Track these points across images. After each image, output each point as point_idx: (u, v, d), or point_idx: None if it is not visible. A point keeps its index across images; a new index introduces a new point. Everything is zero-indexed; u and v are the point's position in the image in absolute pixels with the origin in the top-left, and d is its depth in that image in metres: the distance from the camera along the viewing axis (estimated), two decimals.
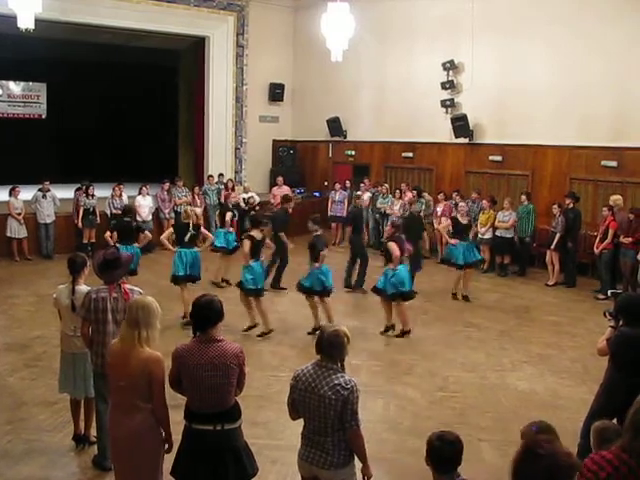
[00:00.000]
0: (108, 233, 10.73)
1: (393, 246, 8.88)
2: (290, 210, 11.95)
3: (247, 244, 8.81)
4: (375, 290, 9.18)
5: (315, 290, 9.04)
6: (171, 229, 10.29)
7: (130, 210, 11.34)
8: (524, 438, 3.16)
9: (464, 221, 11.13)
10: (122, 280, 5.24)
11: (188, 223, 9.67)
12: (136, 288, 5.29)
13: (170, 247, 9.70)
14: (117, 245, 9.68)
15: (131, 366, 4.00)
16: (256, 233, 8.95)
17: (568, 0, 12.94)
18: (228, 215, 12.03)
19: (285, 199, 12.12)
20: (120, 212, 12.25)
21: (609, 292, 5.42)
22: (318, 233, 9.24)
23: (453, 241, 11.06)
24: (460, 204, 11.87)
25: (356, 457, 3.89)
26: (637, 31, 11.92)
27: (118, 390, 4.10)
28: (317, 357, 3.89)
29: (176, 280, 9.48)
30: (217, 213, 13.07)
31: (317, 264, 8.94)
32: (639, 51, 11.91)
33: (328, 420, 3.73)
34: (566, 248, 12.04)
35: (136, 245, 10.25)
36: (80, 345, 5.38)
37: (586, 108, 12.62)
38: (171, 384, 4.15)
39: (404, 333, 9.05)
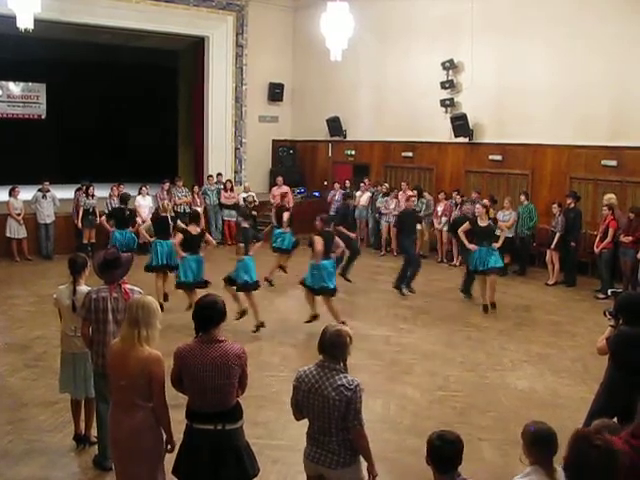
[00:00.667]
0: (104, 218, 12.60)
1: (316, 239, 8.87)
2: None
3: (178, 237, 9.27)
4: (303, 284, 9.13)
5: (239, 284, 8.92)
6: (149, 221, 11.15)
7: (127, 198, 12.48)
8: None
9: (483, 224, 10.42)
10: (122, 280, 5.25)
11: (166, 216, 10.51)
12: (136, 288, 5.29)
13: (148, 237, 10.64)
14: (114, 230, 11.50)
15: (131, 365, 4.01)
16: (192, 228, 9.37)
17: (568, 0, 12.95)
18: (285, 215, 12.01)
19: (347, 195, 13.18)
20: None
21: (609, 291, 5.43)
22: (245, 225, 9.16)
23: (471, 246, 10.38)
24: (477, 206, 11.00)
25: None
26: (637, 31, 11.92)
27: (119, 389, 4.11)
28: (318, 357, 3.89)
29: (150, 269, 10.06)
30: (273, 213, 13.20)
31: (238, 255, 8.92)
32: (639, 51, 11.92)
33: (332, 420, 3.73)
34: (566, 247, 12.04)
35: (130, 230, 11.72)
36: (80, 345, 5.38)
37: (586, 108, 12.62)
38: (173, 383, 4.15)
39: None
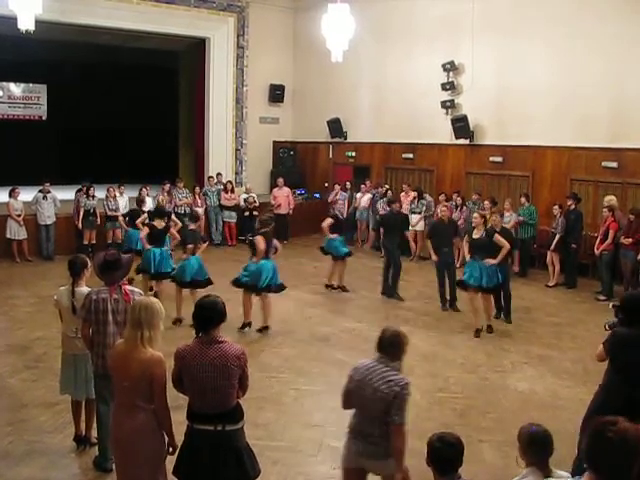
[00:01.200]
0: (121, 218, 13.69)
1: (259, 239, 9.09)
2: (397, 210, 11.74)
3: (145, 230, 10.40)
4: (236, 284, 9.24)
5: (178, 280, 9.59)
6: (146, 215, 11.67)
7: (143, 200, 12.92)
8: (519, 437, 3.39)
9: (476, 235, 9.48)
10: (122, 281, 5.25)
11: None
12: (136, 289, 5.31)
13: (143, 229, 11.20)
14: (129, 228, 12.10)
15: (133, 367, 4.01)
16: (157, 223, 10.29)
17: (568, 0, 12.96)
18: (326, 222, 11.74)
19: (391, 201, 12.12)
20: (115, 214, 14.15)
21: (610, 305, 5.45)
22: (192, 227, 9.95)
23: (467, 258, 9.67)
24: (474, 215, 10.03)
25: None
26: (636, 31, 11.93)
27: (121, 391, 4.11)
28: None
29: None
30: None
31: (184, 255, 9.61)
32: (638, 51, 11.93)
33: (377, 412, 3.93)
34: (567, 249, 12.03)
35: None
36: (81, 346, 5.38)
37: (585, 108, 12.63)
38: (173, 383, 4.15)
39: (263, 328, 9.13)
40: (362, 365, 4.11)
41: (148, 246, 10.12)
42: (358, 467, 4.09)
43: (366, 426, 3.99)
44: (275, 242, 9.46)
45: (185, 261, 9.50)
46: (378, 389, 3.92)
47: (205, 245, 9.96)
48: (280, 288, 9.31)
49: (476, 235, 9.49)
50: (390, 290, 11.23)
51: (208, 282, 9.47)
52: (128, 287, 5.23)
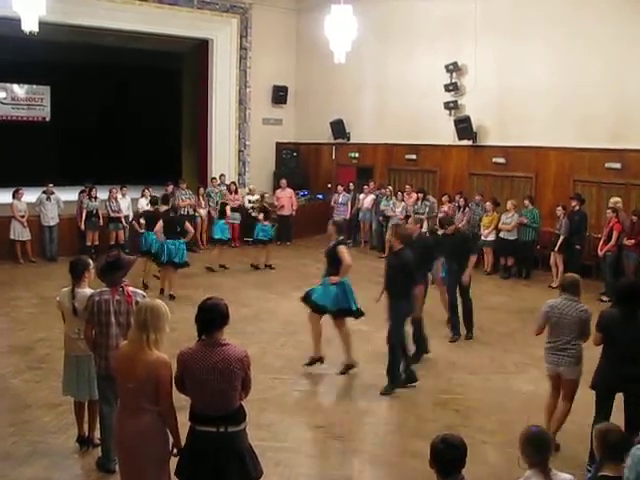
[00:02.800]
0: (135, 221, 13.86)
1: (159, 222, 11.05)
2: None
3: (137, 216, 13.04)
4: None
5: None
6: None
7: (156, 202, 12.75)
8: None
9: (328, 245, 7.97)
10: (125, 282, 5.24)
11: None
12: (139, 291, 5.31)
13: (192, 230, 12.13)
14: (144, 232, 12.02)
15: (138, 369, 4.00)
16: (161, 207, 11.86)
17: (568, 0, 12.95)
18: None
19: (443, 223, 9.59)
20: (117, 215, 14.32)
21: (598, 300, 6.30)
22: (149, 209, 12.23)
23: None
24: (330, 222, 8.08)
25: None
26: (636, 31, 11.93)
27: (126, 392, 4.11)
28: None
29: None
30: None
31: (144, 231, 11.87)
32: (638, 51, 11.92)
33: (574, 333, 5.71)
34: (571, 250, 12.01)
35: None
36: (84, 348, 5.37)
37: (586, 108, 12.61)
38: (176, 385, 4.14)
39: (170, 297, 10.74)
40: (556, 303, 5.77)
41: (141, 230, 12.08)
42: (555, 374, 5.83)
43: (564, 343, 5.73)
44: (186, 225, 11.07)
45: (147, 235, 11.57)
46: (575, 316, 5.66)
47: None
48: (181, 265, 10.99)
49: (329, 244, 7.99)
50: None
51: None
52: (130, 288, 5.22)
